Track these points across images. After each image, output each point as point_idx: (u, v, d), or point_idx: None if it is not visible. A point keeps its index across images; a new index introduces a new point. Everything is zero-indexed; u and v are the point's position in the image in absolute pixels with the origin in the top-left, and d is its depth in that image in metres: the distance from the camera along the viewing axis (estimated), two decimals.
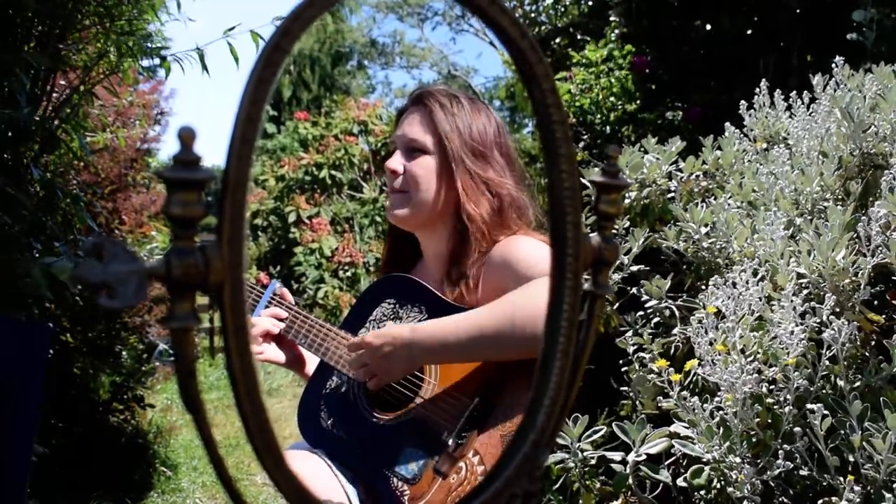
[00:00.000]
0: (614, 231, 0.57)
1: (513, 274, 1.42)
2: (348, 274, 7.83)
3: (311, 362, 1.67)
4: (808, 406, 1.34)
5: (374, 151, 8.78)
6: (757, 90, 2.19)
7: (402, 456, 1.44)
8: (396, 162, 1.56)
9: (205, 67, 2.32)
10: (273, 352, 1.63)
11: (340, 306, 7.32)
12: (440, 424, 1.43)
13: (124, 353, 3.89)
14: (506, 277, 1.44)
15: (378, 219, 8.31)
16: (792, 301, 1.43)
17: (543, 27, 4.51)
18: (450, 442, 1.42)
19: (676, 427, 1.53)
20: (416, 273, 1.66)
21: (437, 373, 1.48)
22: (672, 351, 1.77)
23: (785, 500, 1.41)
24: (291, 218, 8.59)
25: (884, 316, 1.54)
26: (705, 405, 1.46)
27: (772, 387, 1.45)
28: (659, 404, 1.66)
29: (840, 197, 1.75)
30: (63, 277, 1.66)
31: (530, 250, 1.44)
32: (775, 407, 1.44)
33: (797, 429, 1.37)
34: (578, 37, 4.31)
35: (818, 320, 1.44)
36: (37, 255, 1.90)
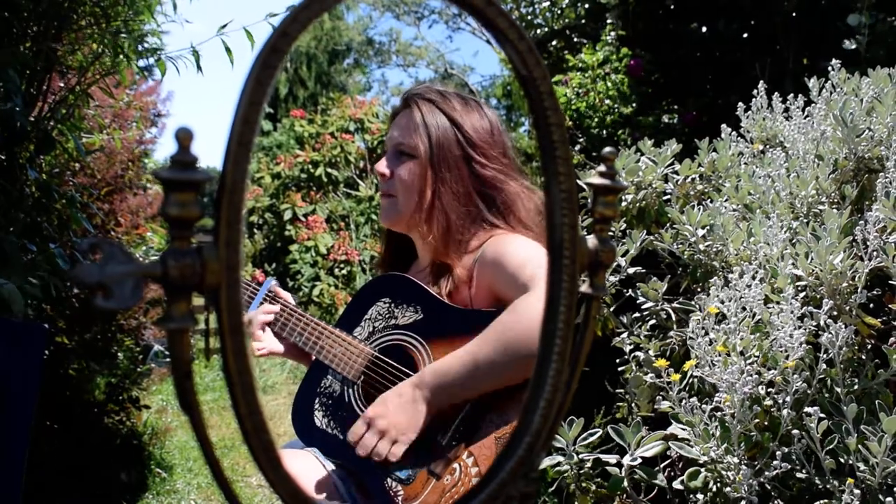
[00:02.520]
0: (611, 233, 0.57)
1: (503, 273, 1.42)
2: (344, 272, 7.82)
3: None
4: (806, 409, 1.34)
5: (370, 149, 8.78)
6: (755, 91, 2.19)
7: None
8: (383, 165, 1.59)
9: (199, 67, 2.32)
10: (272, 342, 1.63)
11: (336, 304, 7.32)
12: (434, 425, 1.43)
13: (120, 354, 3.88)
14: (497, 275, 1.45)
15: (374, 217, 8.31)
16: (791, 304, 1.43)
17: (540, 30, 4.51)
18: (444, 443, 1.41)
19: (673, 429, 1.53)
20: (412, 271, 1.66)
21: None
22: (668, 353, 1.77)
23: (781, 503, 1.41)
24: (287, 215, 8.57)
25: (880, 319, 1.54)
26: (704, 406, 1.46)
27: (770, 389, 1.45)
28: (655, 406, 1.66)
29: (835, 200, 1.75)
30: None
31: (520, 249, 1.45)
32: (773, 409, 1.44)
33: (795, 431, 1.37)
34: (575, 39, 4.32)
35: (815, 323, 1.44)
36: (32, 256, 1.89)
